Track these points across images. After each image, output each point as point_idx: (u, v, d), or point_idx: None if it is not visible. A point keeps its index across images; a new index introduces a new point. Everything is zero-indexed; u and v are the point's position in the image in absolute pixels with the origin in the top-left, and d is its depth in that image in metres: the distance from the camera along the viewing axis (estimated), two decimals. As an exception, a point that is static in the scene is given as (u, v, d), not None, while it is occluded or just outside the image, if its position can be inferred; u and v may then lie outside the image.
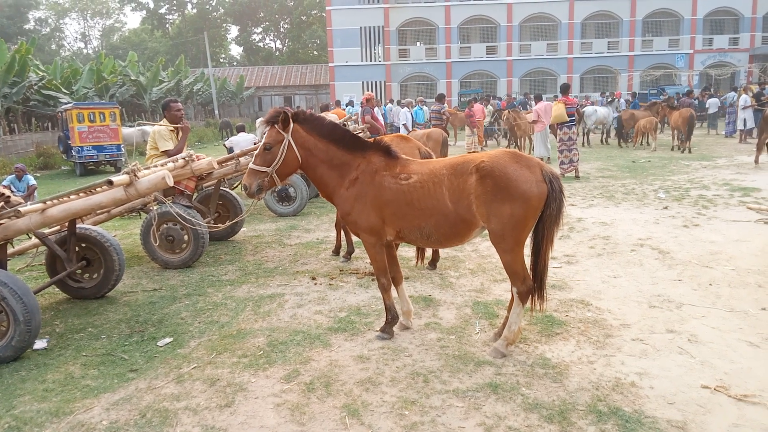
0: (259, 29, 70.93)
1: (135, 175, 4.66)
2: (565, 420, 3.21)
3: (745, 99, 18.64)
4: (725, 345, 4.09)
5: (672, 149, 17.25)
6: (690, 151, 16.39)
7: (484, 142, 19.74)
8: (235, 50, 75.73)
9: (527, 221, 3.79)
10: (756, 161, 13.03)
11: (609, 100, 24.87)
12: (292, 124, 4.15)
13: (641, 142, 19.18)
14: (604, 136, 21.12)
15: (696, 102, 25.13)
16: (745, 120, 18.67)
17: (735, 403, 3.34)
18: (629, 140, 19.72)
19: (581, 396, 3.46)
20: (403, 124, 16.97)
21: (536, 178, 3.73)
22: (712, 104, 23.90)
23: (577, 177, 12.63)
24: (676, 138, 17.47)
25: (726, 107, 22.06)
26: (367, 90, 39.04)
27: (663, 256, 6.33)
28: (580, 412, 3.28)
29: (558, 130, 13.19)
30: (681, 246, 6.66)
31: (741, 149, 16.76)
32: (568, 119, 12.85)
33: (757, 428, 3.09)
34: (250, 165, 4.19)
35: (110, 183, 4.64)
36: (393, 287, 4.52)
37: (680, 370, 3.74)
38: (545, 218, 3.81)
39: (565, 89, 13.33)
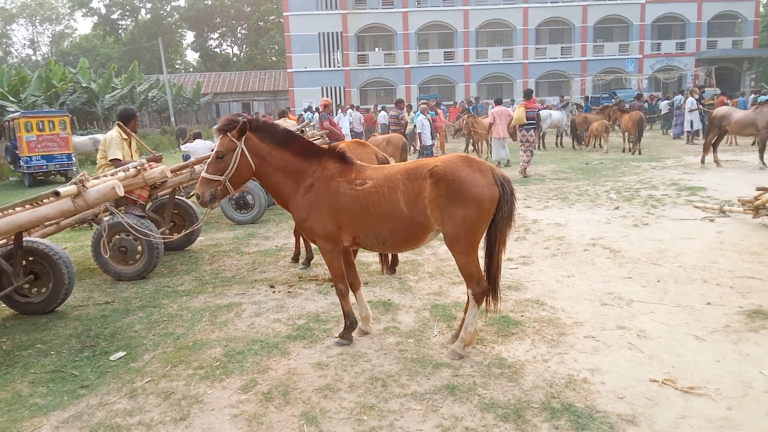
0: (216, 35, 69.97)
1: (83, 186, 4.54)
2: (520, 418, 3.27)
3: (691, 102, 19.40)
4: (672, 339, 4.24)
5: (623, 151, 17.79)
6: (640, 153, 16.94)
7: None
8: (191, 56, 74.58)
9: (480, 224, 3.85)
10: (702, 161, 13.56)
11: (564, 104, 25.50)
12: (245, 132, 4.12)
13: (594, 144, 19.72)
14: (559, 139, 21.65)
15: (646, 105, 26.06)
16: (692, 122, 19.43)
17: (682, 395, 3.47)
18: (583, 143, 20.26)
19: (536, 394, 3.53)
20: (419, 133, 14.68)
21: (488, 181, 3.81)
22: (664, 106, 24.90)
23: (524, 176, 13.31)
24: (626, 140, 18.03)
25: (674, 110, 22.90)
26: (327, 96, 38.98)
27: (614, 255, 6.52)
28: (534, 410, 3.35)
29: (518, 132, 13.76)
30: (631, 245, 6.88)
31: (688, 150, 17.42)
32: (527, 122, 13.45)
33: (702, 419, 3.21)
34: (203, 174, 4.14)
35: (57, 194, 4.50)
36: (351, 293, 4.53)
37: (630, 365, 3.86)
38: (497, 220, 3.89)
39: (528, 94, 14.01)
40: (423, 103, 15.76)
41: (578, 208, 9.37)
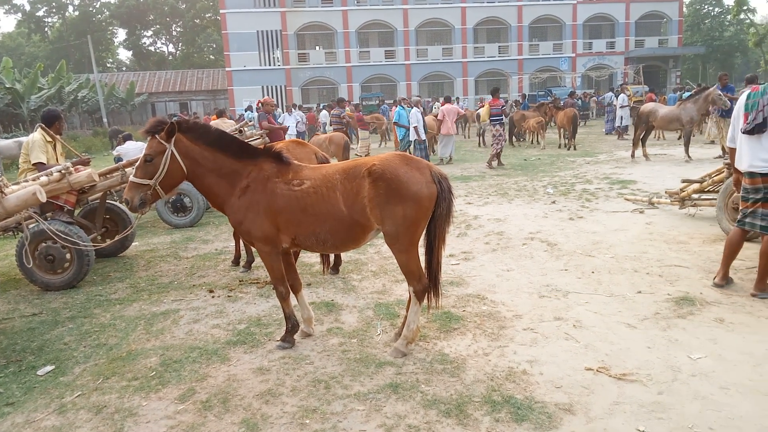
0: (150, 32, 67.68)
1: (1, 192, 4.27)
2: (462, 413, 3.30)
3: (622, 98, 20.23)
4: (606, 328, 4.39)
5: (559, 147, 18.36)
6: (575, 148, 17.52)
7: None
8: (124, 54, 71.87)
9: (419, 221, 3.87)
10: (632, 156, 14.17)
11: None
12: (174, 134, 3.97)
13: (531, 140, 20.26)
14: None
15: (579, 102, 26.99)
16: (622, 117, 20.27)
17: (615, 382, 3.59)
18: (521, 139, 20.78)
19: (477, 388, 3.57)
20: (414, 127, 14.22)
21: (426, 179, 3.82)
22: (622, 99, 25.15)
23: (500, 164, 14.52)
24: (562, 136, 18.61)
25: (605, 106, 23.80)
26: (268, 95, 38.42)
27: (551, 248, 6.70)
28: (476, 404, 3.39)
29: (491, 127, 14.77)
30: (567, 238, 7.09)
31: (619, 145, 18.15)
32: (492, 117, 14.50)
33: (635, 404, 3.33)
34: (131, 178, 3.97)
35: (-28, 201, 4.23)
36: (293, 295, 4.46)
37: (566, 355, 3.96)
38: (436, 218, 3.91)
39: (494, 92, 14.76)
40: (403, 99, 15.74)
41: (517, 203, 9.59)
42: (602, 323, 4.47)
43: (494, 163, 14.53)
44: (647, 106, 14.24)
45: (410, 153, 14.66)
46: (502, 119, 14.78)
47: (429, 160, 14.39)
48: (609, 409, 3.30)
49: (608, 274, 5.63)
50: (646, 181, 10.88)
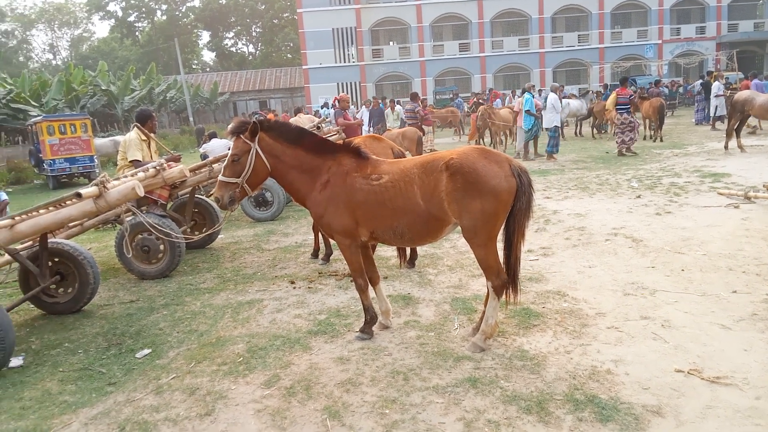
0: (231, 34, 70.37)
1: (104, 187, 4.61)
2: (543, 410, 3.25)
3: (717, 86, 18.97)
4: (698, 329, 4.17)
5: (644, 138, 17.50)
6: (662, 140, 16.66)
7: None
8: (208, 56, 75.09)
9: (498, 216, 3.83)
10: (726, 147, 13.28)
11: (584, 92, 25.18)
12: (258, 133, 4.14)
13: (614, 132, 19.40)
14: (578, 128, 21.40)
15: (666, 91, 25.61)
16: (716, 107, 19.00)
17: (708, 385, 3.41)
18: (603, 131, 19.99)
19: (558, 386, 3.50)
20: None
21: (505, 173, 3.78)
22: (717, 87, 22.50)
23: (633, 153, 14.14)
24: (647, 127, 17.74)
25: (694, 95, 22.42)
26: (343, 91, 39.02)
27: (636, 244, 6.43)
28: (557, 402, 3.33)
29: (618, 115, 14.73)
30: (654, 233, 6.78)
31: (712, 136, 17.07)
32: (619, 106, 14.59)
33: (729, 409, 3.16)
34: (220, 177, 4.18)
35: (79, 195, 4.58)
36: (371, 287, 4.54)
37: (654, 356, 3.81)
38: (516, 212, 3.86)
39: (623, 81, 15.12)
40: (532, 86, 15.89)
41: (599, 197, 9.26)
42: (693, 323, 4.26)
43: (625, 150, 14.28)
44: (743, 94, 13.29)
45: (535, 144, 15.22)
46: (629, 108, 14.67)
47: (557, 151, 14.40)
48: (701, 413, 3.15)
49: (700, 273, 5.34)
50: (741, 174, 10.16)
